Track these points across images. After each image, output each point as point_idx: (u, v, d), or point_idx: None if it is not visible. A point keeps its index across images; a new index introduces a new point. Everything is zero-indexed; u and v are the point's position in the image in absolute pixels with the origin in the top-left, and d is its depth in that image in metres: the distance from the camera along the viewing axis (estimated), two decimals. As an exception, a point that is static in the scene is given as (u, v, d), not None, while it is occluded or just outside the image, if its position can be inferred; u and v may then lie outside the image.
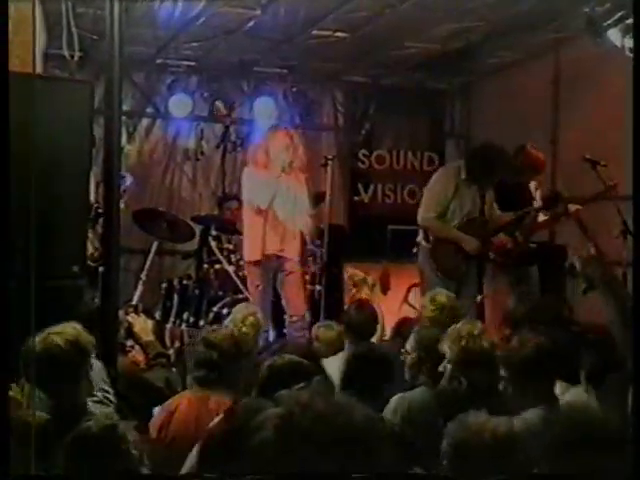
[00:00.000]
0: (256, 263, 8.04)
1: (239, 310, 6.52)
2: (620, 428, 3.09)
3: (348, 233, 10.84)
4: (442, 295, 6.42)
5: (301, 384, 4.08)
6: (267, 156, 7.92)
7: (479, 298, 7.57)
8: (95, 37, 8.07)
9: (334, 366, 5.26)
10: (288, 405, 2.28)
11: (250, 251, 8.12)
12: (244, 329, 6.14)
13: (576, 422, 3.10)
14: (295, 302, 8.03)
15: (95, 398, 4.38)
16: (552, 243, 9.15)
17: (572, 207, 7.76)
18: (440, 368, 4.78)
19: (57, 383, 4.04)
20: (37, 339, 4.00)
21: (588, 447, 2.96)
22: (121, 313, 5.80)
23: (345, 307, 6.57)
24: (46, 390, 3.98)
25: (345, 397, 2.50)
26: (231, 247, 9.22)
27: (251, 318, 6.29)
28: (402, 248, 9.67)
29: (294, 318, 7.94)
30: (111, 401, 4.51)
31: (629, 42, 7.45)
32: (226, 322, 6.40)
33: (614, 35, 7.66)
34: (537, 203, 8.15)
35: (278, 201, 7.90)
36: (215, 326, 5.21)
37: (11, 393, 5.19)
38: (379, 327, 6.60)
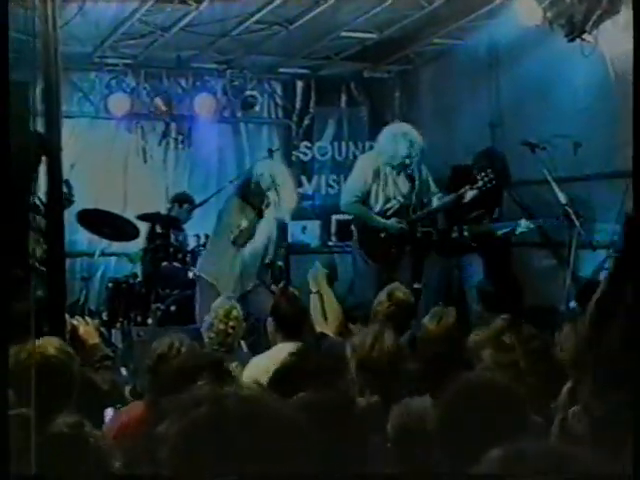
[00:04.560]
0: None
1: (220, 305, 6.35)
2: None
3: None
4: (399, 291, 6.25)
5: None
6: (253, 197, 7.80)
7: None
8: (29, 38, 7.98)
9: (262, 364, 5.28)
10: (187, 409, 2.29)
11: (215, 281, 8.01)
12: (230, 323, 6.05)
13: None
14: None
15: None
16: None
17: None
18: None
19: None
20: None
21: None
22: (66, 316, 5.76)
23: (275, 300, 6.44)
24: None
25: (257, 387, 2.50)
26: (177, 244, 9.21)
27: (234, 311, 6.18)
28: (347, 238, 9.73)
29: None
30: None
31: (561, 24, 7.58)
32: (208, 318, 6.25)
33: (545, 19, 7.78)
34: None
35: (253, 243, 7.87)
36: (164, 341, 4.95)
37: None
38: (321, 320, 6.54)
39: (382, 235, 7.98)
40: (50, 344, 4.20)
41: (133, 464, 3.96)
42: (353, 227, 8.34)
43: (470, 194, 7.89)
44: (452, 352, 4.55)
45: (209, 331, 5.98)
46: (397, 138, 8.02)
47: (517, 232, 8.20)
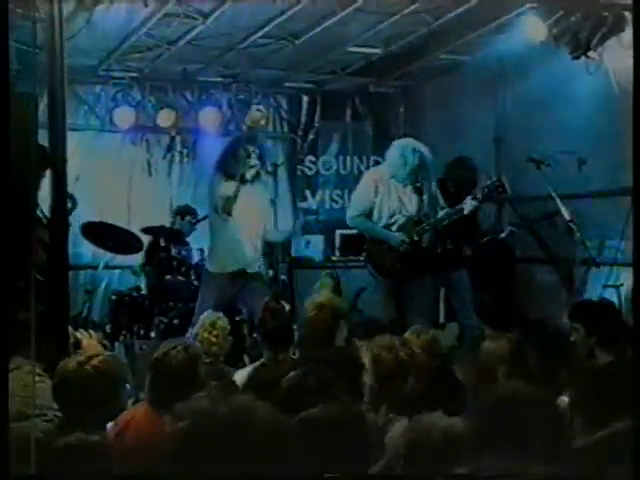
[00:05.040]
0: (222, 276, 8.01)
1: (207, 316, 6.50)
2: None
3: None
4: (321, 296, 6.47)
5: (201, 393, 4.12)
6: (233, 166, 7.90)
7: None
8: (36, 50, 8.00)
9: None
10: (189, 417, 2.31)
11: (218, 263, 8.08)
12: (214, 332, 6.16)
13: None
14: None
15: (46, 417, 4.35)
16: (497, 242, 9.13)
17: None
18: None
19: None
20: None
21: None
22: (70, 329, 5.78)
23: (260, 314, 6.53)
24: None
25: (245, 397, 2.52)
26: (180, 258, 9.20)
27: (220, 322, 6.30)
28: (351, 252, 9.73)
29: None
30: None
31: (566, 43, 7.60)
32: (195, 329, 6.37)
33: (551, 37, 7.80)
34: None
35: (245, 213, 7.92)
36: (168, 344, 5.02)
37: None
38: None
39: (388, 249, 7.98)
40: (90, 359, 4.25)
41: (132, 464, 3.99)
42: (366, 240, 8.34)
43: (470, 205, 7.88)
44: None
45: (195, 340, 6.08)
46: (406, 152, 8.00)
47: (500, 237, 8.24)
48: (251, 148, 7.95)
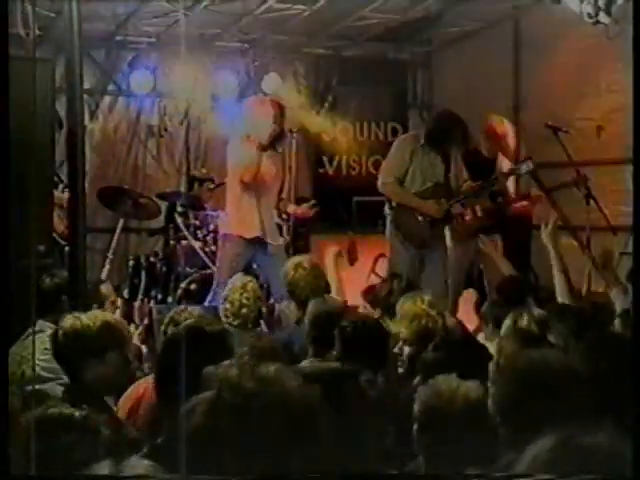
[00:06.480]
0: (243, 239, 7.79)
1: (238, 278, 6.47)
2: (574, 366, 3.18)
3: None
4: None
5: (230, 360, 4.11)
6: (254, 129, 7.64)
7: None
8: (52, 15, 8.00)
9: None
10: (216, 386, 2.29)
11: (239, 226, 7.79)
12: (245, 294, 6.16)
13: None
14: None
15: (61, 381, 4.35)
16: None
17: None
18: (396, 350, 4.94)
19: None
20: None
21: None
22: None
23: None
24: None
25: (275, 367, 2.48)
26: (197, 223, 9.21)
27: (251, 284, 6.29)
28: (368, 219, 9.72)
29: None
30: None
31: (587, 8, 7.52)
32: (225, 292, 6.35)
33: (572, 1, 7.72)
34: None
35: (263, 180, 7.74)
36: (183, 306, 5.13)
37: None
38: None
39: (419, 217, 7.90)
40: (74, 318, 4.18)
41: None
42: (387, 208, 8.23)
43: (507, 178, 7.87)
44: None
45: (225, 302, 6.12)
46: (444, 119, 7.92)
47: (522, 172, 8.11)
48: (272, 112, 7.71)
